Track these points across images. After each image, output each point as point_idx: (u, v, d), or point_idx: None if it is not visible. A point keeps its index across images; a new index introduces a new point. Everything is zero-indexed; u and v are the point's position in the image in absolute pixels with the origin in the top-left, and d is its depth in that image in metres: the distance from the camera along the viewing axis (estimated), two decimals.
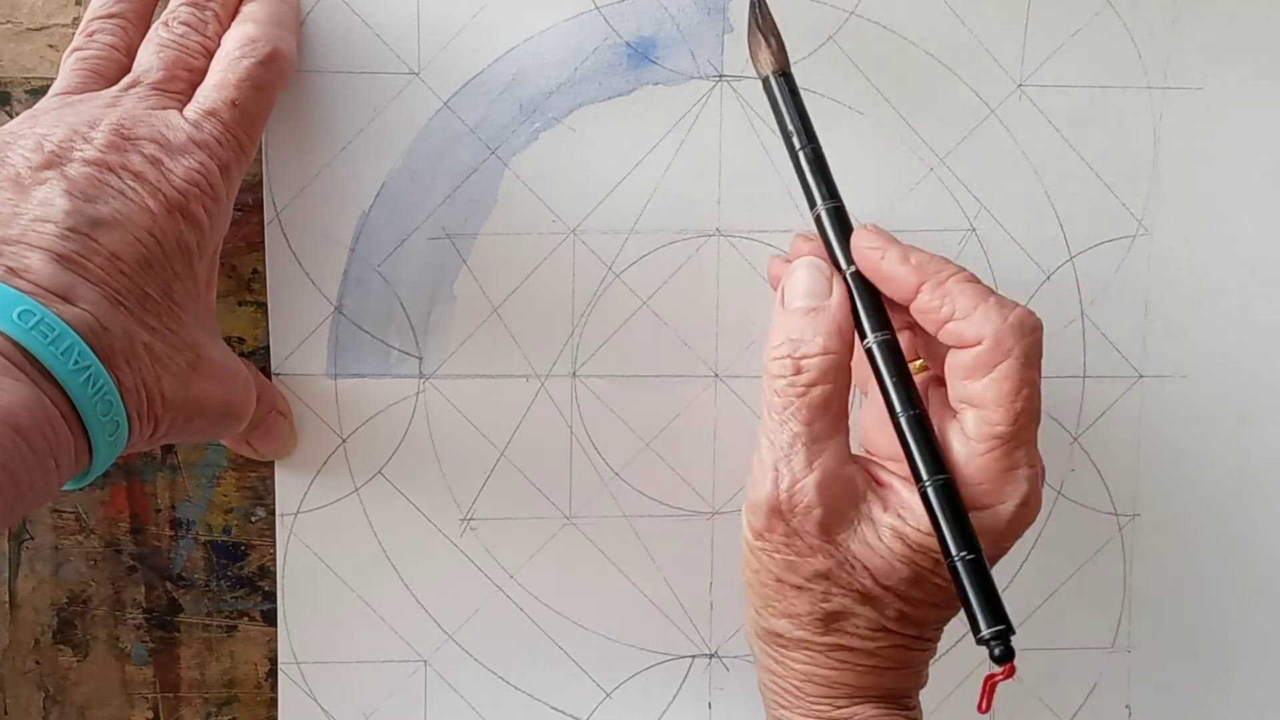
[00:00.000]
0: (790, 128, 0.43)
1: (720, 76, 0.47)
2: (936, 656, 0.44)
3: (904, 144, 0.48)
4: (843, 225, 0.42)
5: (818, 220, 0.42)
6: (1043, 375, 0.39)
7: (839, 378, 0.41)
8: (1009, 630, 0.37)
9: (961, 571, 0.37)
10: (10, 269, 0.34)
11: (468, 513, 0.49)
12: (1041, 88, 0.48)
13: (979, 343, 0.38)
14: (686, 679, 0.50)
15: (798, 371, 0.41)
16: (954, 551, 0.38)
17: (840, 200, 0.42)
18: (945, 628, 0.43)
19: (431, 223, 0.47)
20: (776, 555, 0.41)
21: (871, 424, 0.43)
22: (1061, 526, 0.50)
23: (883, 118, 0.48)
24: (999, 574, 0.48)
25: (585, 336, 0.48)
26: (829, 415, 0.40)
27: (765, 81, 0.44)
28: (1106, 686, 0.51)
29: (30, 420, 0.32)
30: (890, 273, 0.40)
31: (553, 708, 0.50)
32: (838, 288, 0.41)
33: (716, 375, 0.49)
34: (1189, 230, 0.50)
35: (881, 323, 0.41)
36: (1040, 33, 0.48)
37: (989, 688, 0.38)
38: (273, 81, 0.41)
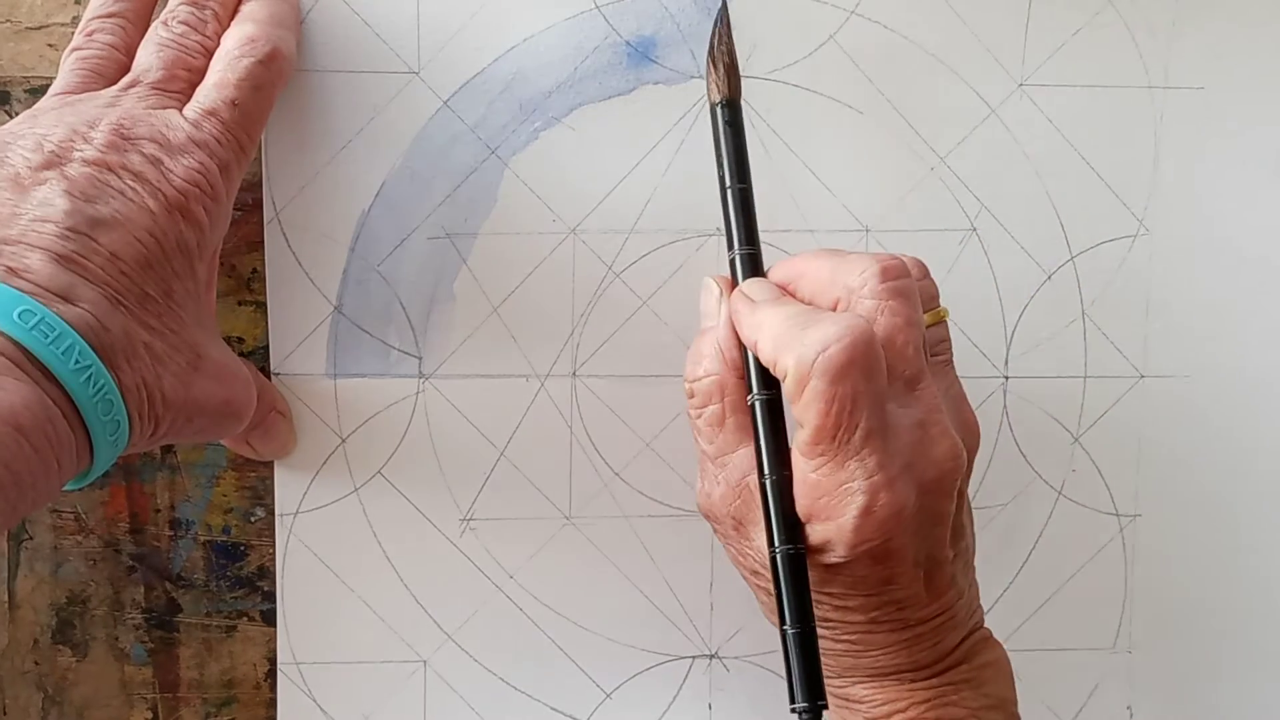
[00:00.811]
0: (724, 164, 0.43)
1: None
2: None
3: (904, 144, 0.48)
4: (754, 272, 0.43)
5: (731, 264, 0.43)
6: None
7: (725, 394, 0.42)
8: (821, 706, 0.39)
9: (790, 643, 0.39)
10: (10, 269, 0.34)
11: (467, 513, 0.49)
12: (1042, 87, 0.48)
13: (785, 375, 0.39)
14: (687, 680, 0.50)
15: (691, 395, 0.43)
16: (786, 622, 0.39)
17: (757, 247, 0.43)
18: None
19: (431, 222, 0.47)
20: (731, 550, 0.44)
21: None
22: (1063, 527, 0.50)
23: (883, 118, 0.48)
24: (997, 572, 0.48)
25: (585, 336, 0.48)
26: (726, 431, 0.42)
27: (711, 109, 0.44)
28: (1108, 687, 0.51)
29: (32, 420, 0.32)
30: (744, 340, 0.42)
31: (552, 708, 0.50)
32: (724, 310, 0.43)
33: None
34: (1190, 230, 0.50)
35: (765, 381, 0.41)
36: (1041, 32, 0.48)
37: None
38: (272, 81, 0.41)
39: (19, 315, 0.33)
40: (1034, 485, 0.50)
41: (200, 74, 0.41)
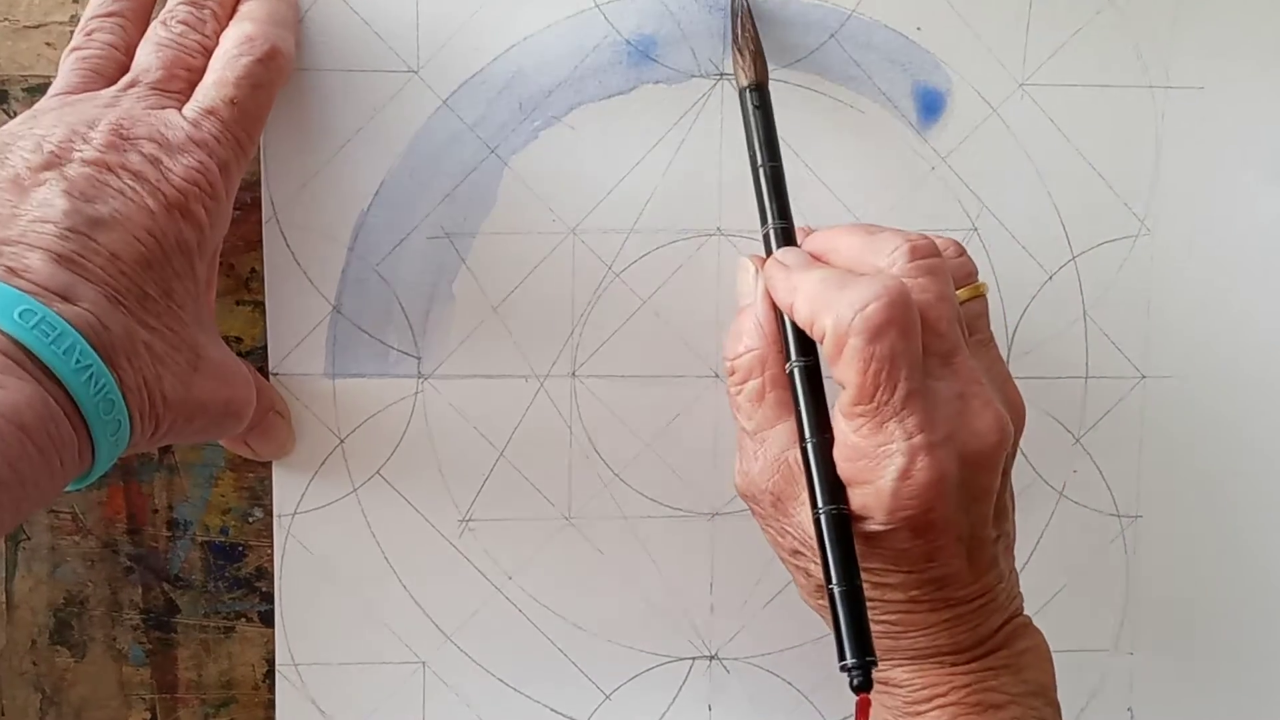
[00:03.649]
0: (755, 144, 0.44)
1: (721, 75, 0.47)
2: None
3: (904, 144, 0.48)
4: (788, 245, 0.43)
5: (765, 239, 0.44)
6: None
7: (765, 369, 0.42)
8: (870, 662, 0.38)
9: (838, 601, 0.39)
10: (10, 269, 0.34)
11: (466, 513, 0.49)
12: (1043, 87, 0.48)
13: (825, 334, 0.39)
14: (687, 681, 0.50)
15: (732, 371, 0.43)
16: (833, 581, 0.39)
17: (790, 222, 0.43)
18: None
19: (430, 222, 0.47)
20: (769, 531, 0.44)
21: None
22: (1063, 528, 0.50)
23: (883, 118, 0.48)
24: None
25: (585, 336, 0.48)
26: (765, 406, 0.43)
27: (740, 94, 0.45)
28: (1108, 689, 0.51)
29: (35, 418, 0.32)
30: (780, 304, 0.42)
31: (552, 709, 0.50)
32: (760, 285, 0.43)
33: (716, 375, 0.49)
34: (1191, 230, 0.50)
35: (803, 348, 0.42)
36: (1041, 32, 0.48)
37: (859, 710, 0.40)
38: (271, 79, 0.41)
39: (19, 315, 0.33)
40: (1035, 486, 0.50)
41: (199, 73, 0.41)
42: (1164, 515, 0.51)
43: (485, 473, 0.49)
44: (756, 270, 0.44)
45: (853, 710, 0.51)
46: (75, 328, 0.34)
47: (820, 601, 0.43)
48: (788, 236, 0.43)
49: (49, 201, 0.35)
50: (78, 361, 0.34)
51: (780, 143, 0.47)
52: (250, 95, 0.40)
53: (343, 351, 0.47)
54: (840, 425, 0.40)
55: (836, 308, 0.38)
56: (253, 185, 0.46)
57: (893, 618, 0.42)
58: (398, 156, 0.47)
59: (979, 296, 0.43)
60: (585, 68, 0.47)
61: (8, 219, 0.35)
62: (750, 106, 0.44)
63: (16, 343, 0.33)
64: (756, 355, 0.43)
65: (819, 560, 0.40)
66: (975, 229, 0.49)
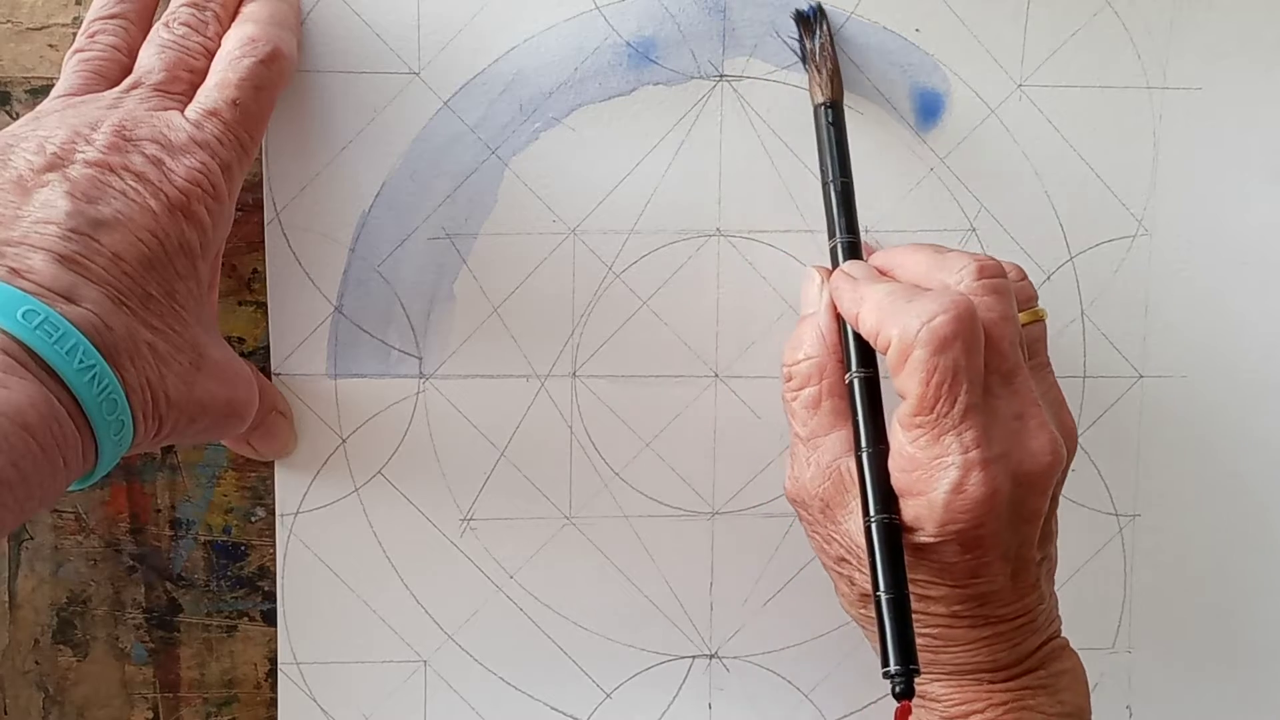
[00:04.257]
0: (827, 159, 0.45)
1: (720, 76, 0.47)
2: None
3: (904, 144, 0.48)
4: (854, 258, 0.45)
5: (833, 252, 0.45)
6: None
7: (823, 377, 0.43)
8: (914, 670, 0.39)
9: (884, 608, 0.39)
10: (13, 270, 0.34)
11: (468, 513, 0.49)
12: (1041, 88, 0.48)
13: (890, 344, 0.40)
14: (686, 679, 0.50)
15: (789, 378, 0.44)
16: (880, 588, 0.39)
17: (858, 236, 0.45)
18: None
19: (431, 223, 0.47)
20: (815, 538, 0.44)
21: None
22: (1062, 527, 0.50)
23: (883, 118, 0.48)
24: None
25: (585, 336, 0.48)
26: (820, 413, 0.43)
27: (815, 110, 0.46)
28: (1108, 687, 0.51)
29: (39, 418, 0.32)
30: (844, 314, 0.43)
31: (552, 708, 0.50)
32: (825, 295, 0.44)
33: (716, 375, 0.49)
34: (1189, 230, 0.50)
35: (864, 359, 0.43)
36: (1040, 33, 0.48)
37: (898, 717, 0.40)
38: (274, 81, 0.41)
39: (23, 315, 0.33)
40: None
41: (202, 75, 0.41)
42: (1162, 514, 0.51)
43: (486, 472, 0.49)
44: (822, 281, 0.45)
45: (853, 710, 0.51)
46: (78, 328, 0.34)
47: (862, 611, 0.44)
48: (854, 250, 0.44)
49: (52, 202, 0.35)
50: (81, 362, 0.34)
51: (780, 143, 0.48)
52: (252, 96, 0.40)
53: (344, 352, 0.48)
54: (897, 436, 0.40)
55: (904, 319, 0.39)
56: (255, 186, 0.46)
57: (934, 631, 0.42)
58: (399, 157, 0.47)
59: (1039, 321, 0.44)
60: (585, 69, 0.47)
61: (11, 220, 0.35)
62: (825, 123, 0.45)
63: (20, 343, 0.33)
64: (815, 363, 0.44)
65: (864, 569, 0.41)
66: (974, 229, 0.49)
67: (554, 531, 0.49)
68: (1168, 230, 0.50)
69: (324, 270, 0.47)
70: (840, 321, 0.43)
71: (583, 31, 0.47)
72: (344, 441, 0.48)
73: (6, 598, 0.48)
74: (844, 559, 0.43)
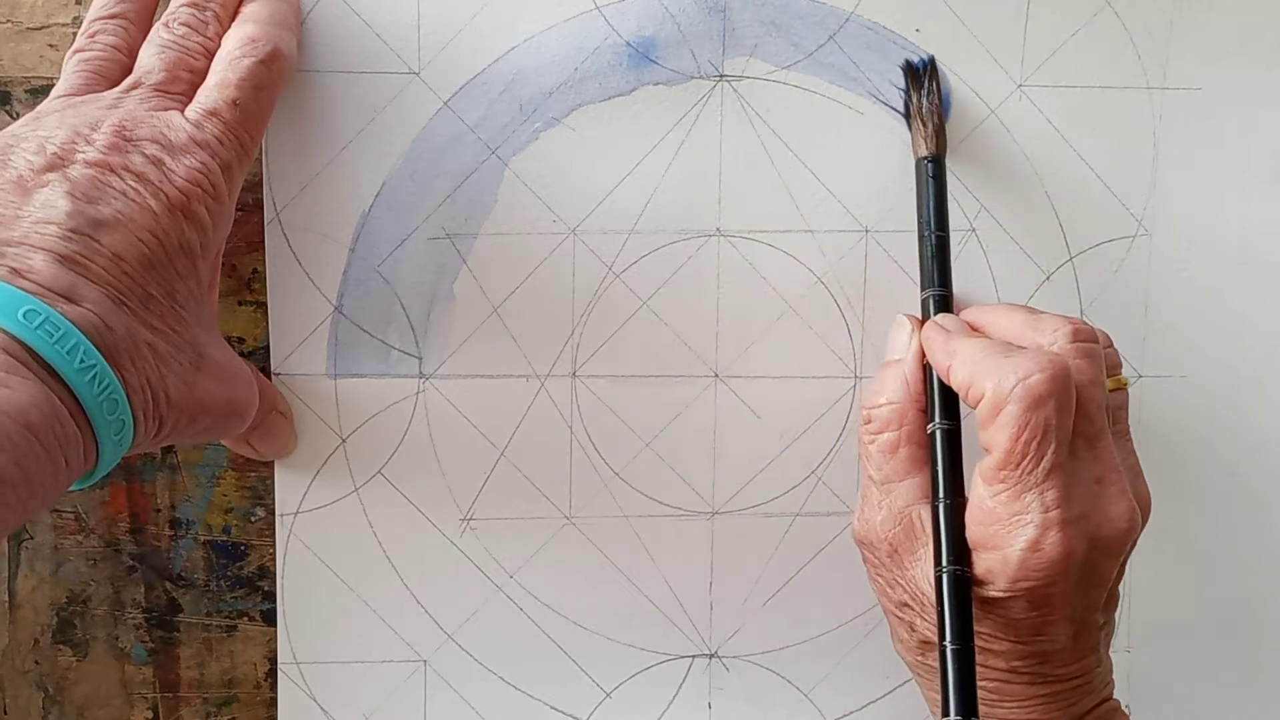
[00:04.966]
0: (926, 212, 0.46)
1: (720, 76, 0.47)
2: None
3: (904, 144, 0.48)
4: (945, 311, 0.46)
5: (924, 303, 0.46)
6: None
7: (903, 424, 0.44)
8: None
9: (949, 659, 0.40)
10: (14, 270, 0.34)
11: (467, 513, 0.49)
12: (1041, 88, 0.48)
13: (982, 397, 0.40)
14: (686, 679, 0.50)
15: (868, 421, 0.45)
16: (946, 639, 0.40)
17: (950, 290, 0.45)
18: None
19: (431, 223, 0.47)
20: (879, 581, 0.45)
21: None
22: None
23: (883, 118, 0.48)
24: None
25: (585, 336, 0.48)
26: (896, 459, 0.44)
27: (917, 163, 0.46)
28: None
29: (41, 417, 0.32)
30: (935, 364, 0.44)
31: (552, 708, 0.50)
32: (914, 344, 0.45)
33: (716, 375, 0.49)
34: (1189, 231, 0.50)
35: (948, 411, 0.43)
36: (1039, 33, 0.48)
37: None
38: (274, 81, 0.41)
39: (23, 315, 0.33)
40: None
41: (202, 75, 0.41)
42: (1162, 514, 0.51)
43: (486, 472, 0.49)
44: (913, 329, 0.45)
45: (852, 709, 0.51)
46: (79, 328, 0.34)
47: (919, 658, 0.44)
48: (945, 304, 0.45)
49: (52, 203, 0.35)
50: (81, 361, 0.34)
51: (780, 143, 0.48)
52: (252, 96, 0.40)
53: (344, 352, 0.48)
54: (978, 489, 0.41)
55: (999, 374, 0.40)
56: (255, 186, 0.46)
57: (991, 685, 0.42)
58: (399, 158, 0.47)
59: (1123, 389, 0.45)
60: (585, 69, 0.47)
61: (11, 220, 0.35)
62: (926, 177, 0.46)
63: (21, 343, 0.33)
64: (896, 409, 0.44)
65: (927, 616, 0.42)
66: (973, 229, 0.49)
67: (554, 531, 0.49)
68: (1168, 230, 0.50)
69: (324, 270, 0.47)
70: (926, 371, 0.44)
71: (583, 31, 0.47)
72: (344, 441, 0.48)
73: (6, 598, 0.48)
74: (907, 604, 0.43)
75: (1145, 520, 0.43)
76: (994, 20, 0.48)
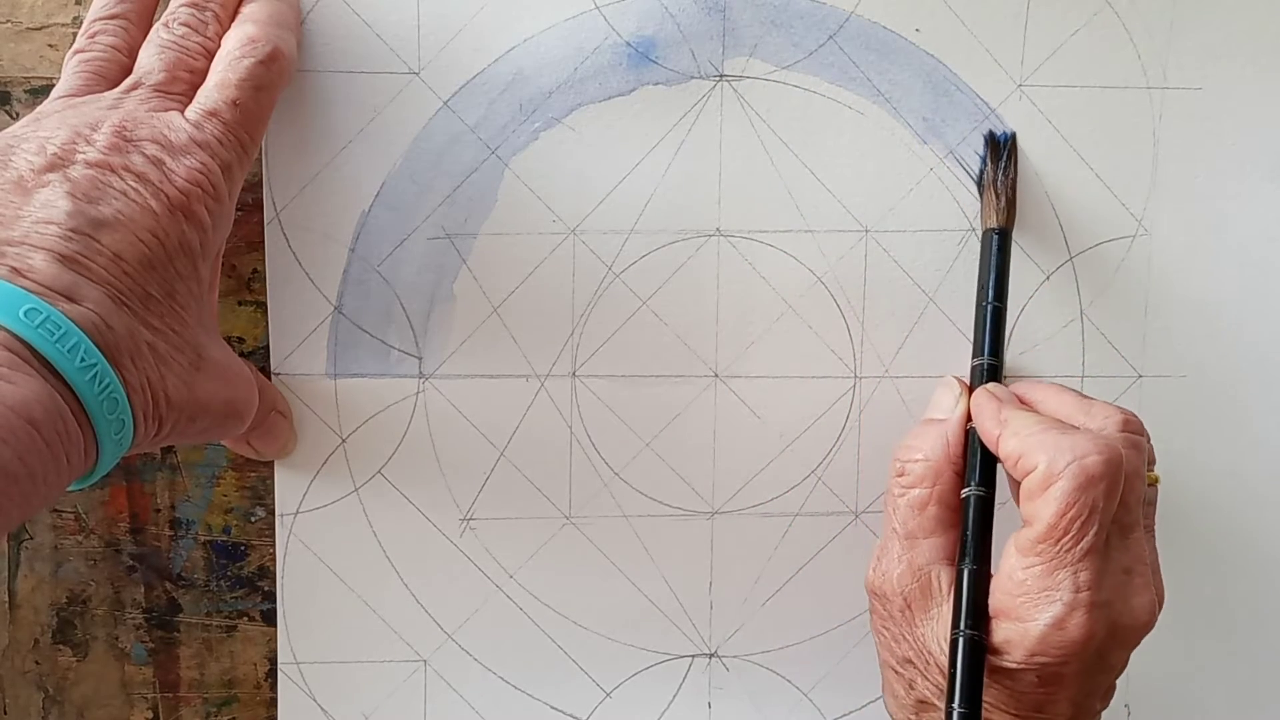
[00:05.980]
0: (987, 282, 0.47)
1: (720, 76, 0.47)
2: None
3: (904, 144, 0.48)
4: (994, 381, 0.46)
5: (974, 370, 0.47)
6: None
7: (937, 483, 0.44)
8: None
9: None
10: (14, 269, 0.34)
11: (467, 513, 0.49)
12: (1041, 88, 0.48)
13: (1034, 469, 0.41)
14: (686, 679, 0.50)
15: (901, 474, 0.45)
16: (956, 701, 0.40)
17: (1001, 360, 0.46)
18: None
19: (431, 223, 0.47)
20: (884, 634, 0.45)
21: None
22: None
23: (882, 118, 0.48)
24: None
25: (585, 336, 0.48)
26: (924, 516, 0.44)
27: (985, 234, 0.47)
28: None
29: (44, 413, 0.33)
30: (982, 430, 0.44)
31: (552, 707, 0.50)
32: (960, 405, 0.45)
33: (716, 375, 0.49)
34: (1189, 230, 0.50)
35: (985, 478, 0.44)
36: (1040, 33, 0.48)
37: None
38: (274, 81, 0.41)
39: (25, 314, 0.33)
40: None
41: (202, 75, 0.41)
42: (1161, 514, 0.51)
43: (486, 472, 0.49)
44: (961, 391, 0.46)
45: (852, 709, 0.51)
46: (79, 327, 0.34)
47: (912, 716, 0.44)
48: (995, 374, 0.46)
49: (52, 203, 0.35)
50: (82, 360, 0.34)
51: (780, 143, 0.48)
52: (252, 97, 0.40)
53: (344, 352, 0.48)
54: (1010, 559, 0.41)
55: (1055, 450, 0.40)
56: (254, 186, 0.46)
57: None
58: (399, 157, 0.47)
59: (1153, 485, 0.45)
60: (585, 69, 0.47)
61: (11, 220, 0.35)
62: (992, 249, 0.47)
63: (22, 341, 0.33)
64: (932, 466, 0.44)
65: (929, 675, 0.42)
66: (973, 229, 0.49)
67: (554, 531, 0.49)
68: (1167, 230, 0.50)
69: (324, 270, 0.47)
70: (968, 435, 0.44)
71: (582, 31, 0.47)
72: (344, 441, 0.48)
73: (6, 598, 0.48)
74: (910, 662, 0.44)
75: (1158, 614, 0.43)
76: (994, 20, 0.48)
